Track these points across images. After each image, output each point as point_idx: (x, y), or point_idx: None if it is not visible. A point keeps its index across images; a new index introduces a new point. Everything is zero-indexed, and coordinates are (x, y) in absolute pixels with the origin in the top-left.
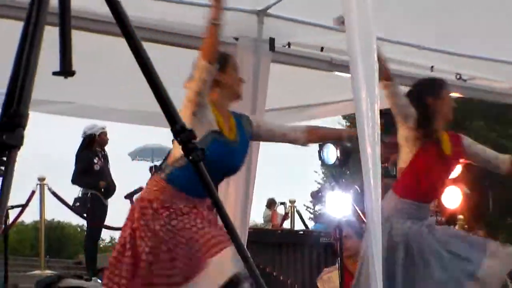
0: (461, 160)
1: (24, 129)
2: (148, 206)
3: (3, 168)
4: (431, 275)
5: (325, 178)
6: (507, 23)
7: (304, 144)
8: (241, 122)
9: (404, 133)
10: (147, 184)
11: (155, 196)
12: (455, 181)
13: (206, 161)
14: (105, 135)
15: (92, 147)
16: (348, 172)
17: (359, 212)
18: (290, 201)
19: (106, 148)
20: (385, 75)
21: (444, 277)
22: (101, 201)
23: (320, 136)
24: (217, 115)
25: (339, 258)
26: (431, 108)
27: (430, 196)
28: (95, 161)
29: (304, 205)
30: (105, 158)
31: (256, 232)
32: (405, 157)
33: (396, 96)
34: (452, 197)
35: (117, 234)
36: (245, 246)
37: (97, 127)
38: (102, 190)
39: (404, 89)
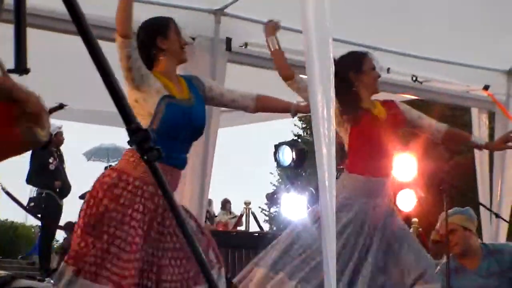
0: (400, 124)
1: None
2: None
3: None
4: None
5: (280, 180)
6: (462, 25)
7: (252, 111)
8: (191, 82)
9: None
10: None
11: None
12: (409, 184)
13: (169, 125)
14: (61, 135)
15: (47, 147)
16: (304, 174)
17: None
18: (245, 203)
19: (61, 147)
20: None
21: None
22: (56, 201)
23: (269, 106)
24: (165, 81)
25: None
26: (355, 83)
27: (377, 169)
28: (50, 160)
29: (259, 207)
30: (60, 158)
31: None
32: (345, 138)
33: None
34: (406, 200)
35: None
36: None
37: (54, 126)
38: (57, 190)
39: None
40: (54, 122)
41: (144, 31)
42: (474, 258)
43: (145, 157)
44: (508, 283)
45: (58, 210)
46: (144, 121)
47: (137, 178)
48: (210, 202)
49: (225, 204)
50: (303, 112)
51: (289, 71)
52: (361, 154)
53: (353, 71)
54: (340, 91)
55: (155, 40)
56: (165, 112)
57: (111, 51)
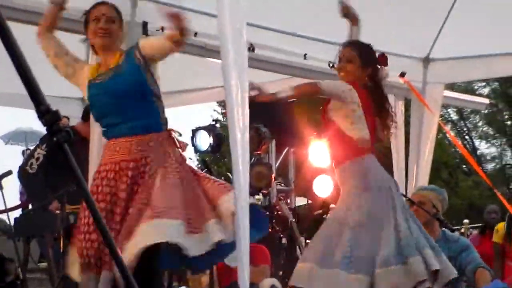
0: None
1: None
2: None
3: None
4: None
5: (199, 165)
6: (378, 12)
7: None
8: (130, 52)
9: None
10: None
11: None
12: (326, 170)
13: (94, 106)
14: None
15: None
16: (223, 160)
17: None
18: None
19: None
20: None
21: None
22: None
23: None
24: (94, 66)
25: None
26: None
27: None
28: None
29: None
30: None
31: None
32: (361, 134)
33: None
34: (324, 186)
35: None
36: None
37: None
38: None
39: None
40: None
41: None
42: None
43: (55, 139)
44: None
45: None
46: None
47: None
48: None
49: None
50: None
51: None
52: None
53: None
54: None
55: (86, 30)
56: (90, 95)
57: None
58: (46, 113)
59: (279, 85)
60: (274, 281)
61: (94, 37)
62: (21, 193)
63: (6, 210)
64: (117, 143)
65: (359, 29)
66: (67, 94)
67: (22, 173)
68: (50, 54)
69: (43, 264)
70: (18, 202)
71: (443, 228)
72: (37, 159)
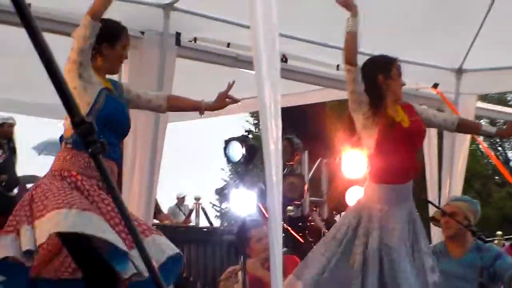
0: (423, 132)
1: None
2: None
3: None
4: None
5: (232, 176)
6: (412, 24)
7: (164, 111)
8: (116, 85)
9: (360, 121)
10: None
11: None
12: (358, 181)
13: (108, 117)
14: (9, 126)
15: None
16: (255, 170)
17: (263, 210)
18: (196, 198)
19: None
20: (348, 59)
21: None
22: (3, 195)
23: (178, 105)
24: (98, 76)
25: (242, 257)
26: (383, 86)
27: (405, 176)
28: None
29: (210, 203)
30: (11, 150)
31: (159, 228)
32: (368, 143)
33: (356, 83)
34: (356, 197)
35: None
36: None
37: (0, 117)
38: (3, 184)
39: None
40: (2, 114)
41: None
42: (462, 248)
43: (90, 150)
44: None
45: (7, 202)
46: (81, 110)
47: (78, 174)
48: (183, 198)
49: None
50: (212, 110)
51: (356, 57)
52: (388, 164)
53: (382, 74)
54: (368, 92)
55: (101, 44)
56: (104, 103)
57: (57, 44)
58: (80, 124)
59: (311, 96)
60: None
61: (116, 62)
62: None
63: None
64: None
65: (358, 21)
66: None
67: None
68: (91, 42)
69: None
70: None
71: (475, 239)
72: None
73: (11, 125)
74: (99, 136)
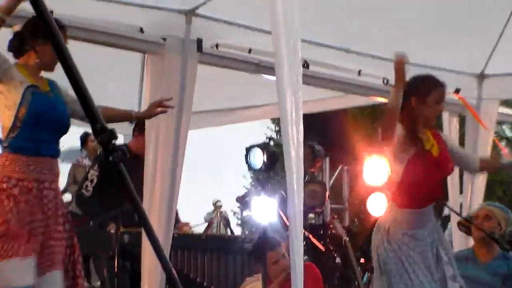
0: (451, 161)
1: None
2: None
3: None
4: None
5: (253, 183)
6: (433, 29)
7: None
8: (53, 84)
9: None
10: None
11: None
12: (380, 188)
13: (36, 114)
14: None
15: None
16: (276, 177)
17: (284, 217)
18: (214, 205)
19: None
20: (400, 81)
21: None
22: None
23: (109, 115)
24: (26, 74)
25: (263, 267)
26: (415, 108)
27: (429, 200)
28: None
29: (232, 210)
30: None
31: (180, 237)
32: (396, 168)
33: (398, 106)
34: (377, 205)
35: None
36: (169, 250)
37: None
38: None
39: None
40: None
41: (31, 25)
42: (489, 253)
43: (110, 158)
44: None
45: None
46: (10, 112)
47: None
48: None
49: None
50: (143, 119)
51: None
52: (415, 191)
53: (416, 97)
54: (401, 113)
55: (34, 41)
56: (31, 101)
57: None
58: (101, 132)
59: (333, 102)
60: None
61: (51, 61)
62: None
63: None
64: (43, 160)
65: (400, 96)
66: None
67: (80, 198)
68: None
69: (97, 284)
70: None
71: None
72: (92, 181)
73: None
74: (29, 133)
